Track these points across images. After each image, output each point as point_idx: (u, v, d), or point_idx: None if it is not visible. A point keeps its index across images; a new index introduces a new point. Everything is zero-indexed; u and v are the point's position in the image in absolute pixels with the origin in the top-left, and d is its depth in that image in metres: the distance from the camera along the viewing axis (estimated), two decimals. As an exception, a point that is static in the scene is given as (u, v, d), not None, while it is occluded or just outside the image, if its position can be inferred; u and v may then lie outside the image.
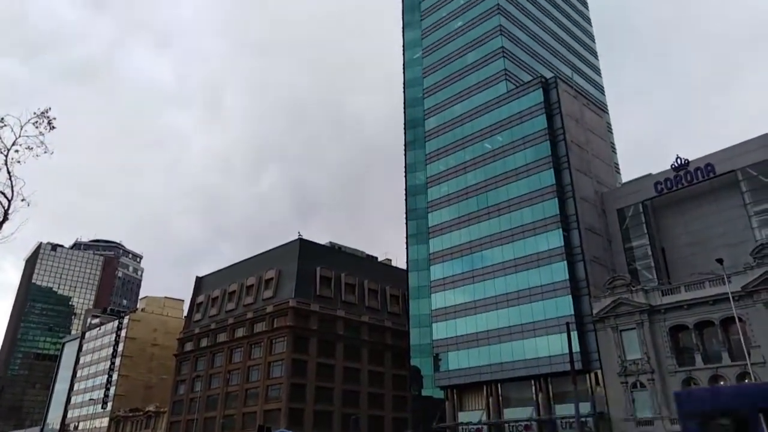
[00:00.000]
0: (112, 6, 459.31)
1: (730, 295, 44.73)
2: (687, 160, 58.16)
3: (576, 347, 52.66)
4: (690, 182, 57.81)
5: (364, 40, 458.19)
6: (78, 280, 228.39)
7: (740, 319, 45.25)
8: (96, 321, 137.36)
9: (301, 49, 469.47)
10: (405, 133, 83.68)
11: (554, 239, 60.34)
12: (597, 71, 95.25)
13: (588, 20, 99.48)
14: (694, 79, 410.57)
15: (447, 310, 67.11)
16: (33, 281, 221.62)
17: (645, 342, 50.40)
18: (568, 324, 48.76)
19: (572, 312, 56.32)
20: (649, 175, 62.19)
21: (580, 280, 58.27)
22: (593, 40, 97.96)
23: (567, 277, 58.17)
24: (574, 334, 52.74)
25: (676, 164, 58.63)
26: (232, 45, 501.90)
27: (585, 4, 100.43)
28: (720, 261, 44.51)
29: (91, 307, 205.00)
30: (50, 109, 16.97)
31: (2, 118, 16.28)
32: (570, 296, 57.26)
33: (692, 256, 56.90)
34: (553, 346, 56.02)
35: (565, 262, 58.76)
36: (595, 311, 54.80)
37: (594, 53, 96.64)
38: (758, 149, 54.10)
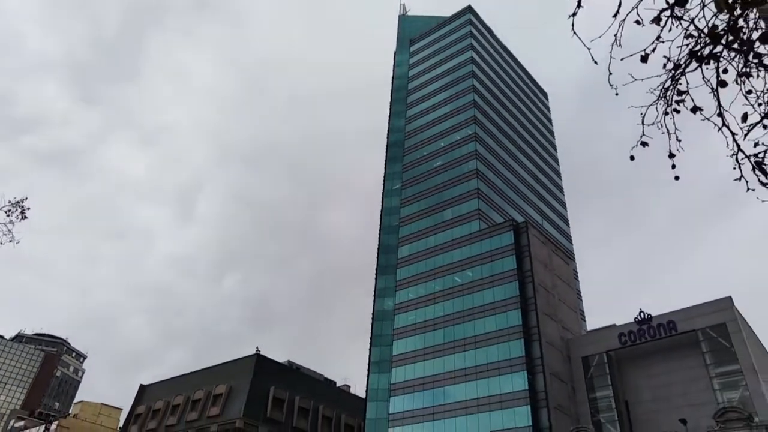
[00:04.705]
0: (102, 101, 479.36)
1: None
2: (650, 315, 59.47)
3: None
4: (653, 337, 58.62)
5: (345, 163, 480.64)
6: (10, 377, 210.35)
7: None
8: (20, 425, 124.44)
9: (281, 162, 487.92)
10: (378, 258, 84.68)
11: (519, 382, 59.15)
12: (565, 221, 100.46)
13: (558, 174, 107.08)
14: (658, 231, 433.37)
15: (403, 449, 63.23)
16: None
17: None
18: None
19: (533, 463, 53.65)
20: (614, 325, 63.05)
21: (544, 428, 56.21)
22: (563, 192, 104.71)
23: (530, 423, 56.20)
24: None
25: (639, 318, 59.84)
26: (215, 152, 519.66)
27: (556, 160, 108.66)
28: (683, 422, 43.91)
29: (18, 407, 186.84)
30: (26, 198, 15.53)
31: None
32: (532, 445, 54.90)
33: (655, 413, 55.91)
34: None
35: (529, 406, 57.13)
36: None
37: (563, 204, 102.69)
38: (714, 312, 55.86)
